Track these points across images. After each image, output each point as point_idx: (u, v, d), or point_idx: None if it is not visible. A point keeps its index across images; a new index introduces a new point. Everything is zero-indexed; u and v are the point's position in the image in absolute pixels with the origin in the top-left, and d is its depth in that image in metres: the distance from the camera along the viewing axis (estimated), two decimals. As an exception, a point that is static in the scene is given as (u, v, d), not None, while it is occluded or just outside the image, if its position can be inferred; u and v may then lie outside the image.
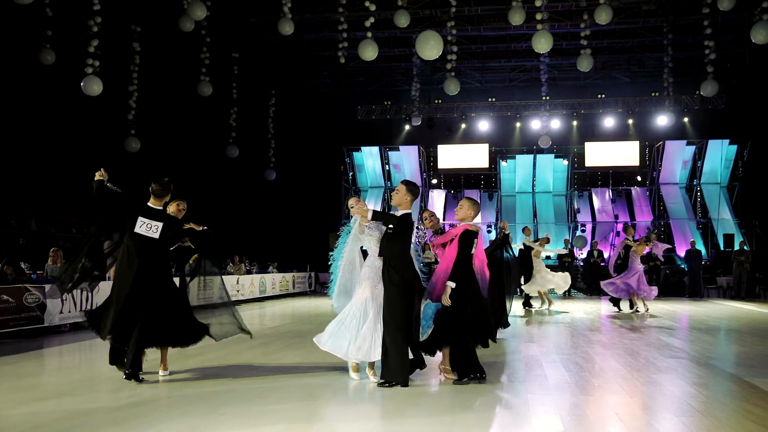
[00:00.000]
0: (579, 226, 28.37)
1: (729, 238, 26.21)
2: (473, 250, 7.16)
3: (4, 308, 11.11)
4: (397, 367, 6.67)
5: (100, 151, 21.68)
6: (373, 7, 17.99)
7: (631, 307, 16.03)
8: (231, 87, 23.93)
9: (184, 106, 23.07)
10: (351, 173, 30.45)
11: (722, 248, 26.12)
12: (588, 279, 23.77)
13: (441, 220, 8.06)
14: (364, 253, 7.51)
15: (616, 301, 16.26)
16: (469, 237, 7.05)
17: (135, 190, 24.41)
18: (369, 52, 17.41)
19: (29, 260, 14.13)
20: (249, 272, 21.56)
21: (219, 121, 24.07)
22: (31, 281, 12.37)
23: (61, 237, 19.14)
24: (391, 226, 6.94)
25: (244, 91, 24.63)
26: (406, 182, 7.20)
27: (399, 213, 7.10)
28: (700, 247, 25.81)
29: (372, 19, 18.24)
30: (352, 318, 7.04)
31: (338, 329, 7.08)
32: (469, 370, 6.88)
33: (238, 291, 19.73)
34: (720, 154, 28.22)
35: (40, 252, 14.45)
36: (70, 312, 12.53)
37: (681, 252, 26.02)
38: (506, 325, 10.56)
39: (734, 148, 27.78)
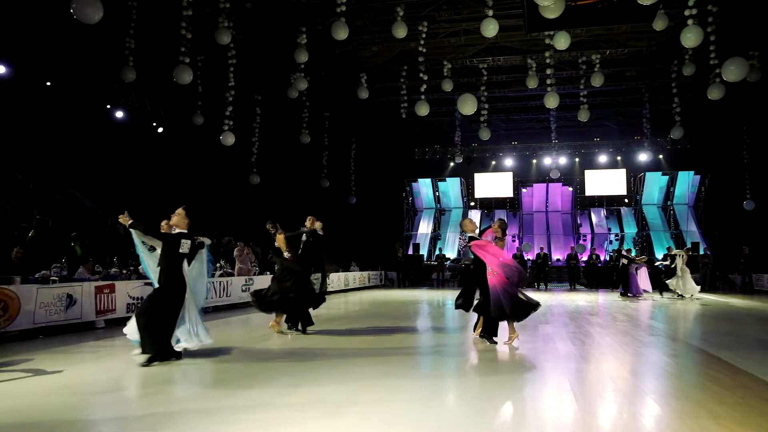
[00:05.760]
0: (581, 237, 27.83)
1: (695, 246, 25.36)
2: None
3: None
4: None
5: (232, 184, 22.41)
6: (425, 77, 18.08)
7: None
8: (323, 136, 24.25)
9: (291, 150, 23.59)
10: (410, 198, 30.33)
11: (690, 253, 25.26)
12: (588, 276, 23.29)
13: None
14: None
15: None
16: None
17: (255, 211, 24.44)
18: (422, 109, 17.49)
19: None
20: (336, 271, 21.69)
21: (315, 161, 24.49)
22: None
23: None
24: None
25: (333, 139, 24.97)
26: (185, 208, 6.50)
27: (176, 231, 6.46)
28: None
29: (425, 86, 18.31)
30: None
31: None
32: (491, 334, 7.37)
33: (329, 284, 19.94)
34: (687, 181, 27.35)
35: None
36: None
37: (659, 255, 25.36)
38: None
39: (698, 177, 26.92)
